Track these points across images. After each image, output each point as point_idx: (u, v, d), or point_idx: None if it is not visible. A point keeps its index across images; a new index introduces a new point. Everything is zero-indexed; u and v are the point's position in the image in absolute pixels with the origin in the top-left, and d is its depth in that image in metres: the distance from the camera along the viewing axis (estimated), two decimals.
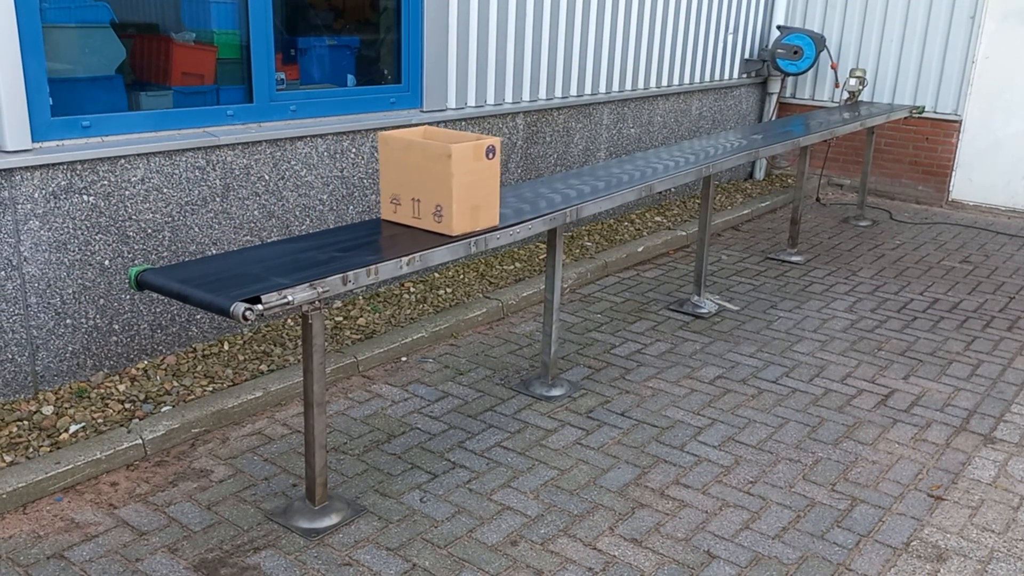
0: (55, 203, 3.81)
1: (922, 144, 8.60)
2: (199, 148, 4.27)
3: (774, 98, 9.17)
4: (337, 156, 4.95)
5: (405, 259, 3.17)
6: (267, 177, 4.62)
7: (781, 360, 4.86)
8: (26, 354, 3.84)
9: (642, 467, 3.72)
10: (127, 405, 3.89)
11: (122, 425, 3.71)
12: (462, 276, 5.73)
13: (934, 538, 3.31)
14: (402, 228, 3.56)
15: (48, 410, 3.78)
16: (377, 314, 5.03)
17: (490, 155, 3.49)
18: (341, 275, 2.95)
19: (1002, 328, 5.44)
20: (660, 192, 7.69)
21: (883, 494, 3.59)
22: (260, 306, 2.69)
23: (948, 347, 5.13)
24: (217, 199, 4.41)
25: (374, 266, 3.06)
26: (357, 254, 3.20)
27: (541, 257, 6.25)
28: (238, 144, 4.43)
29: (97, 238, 3.99)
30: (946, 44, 8.26)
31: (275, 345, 4.56)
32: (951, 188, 8.60)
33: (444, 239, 3.43)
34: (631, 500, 3.48)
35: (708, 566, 3.10)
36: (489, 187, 3.52)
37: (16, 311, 3.78)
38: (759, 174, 9.31)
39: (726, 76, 8.54)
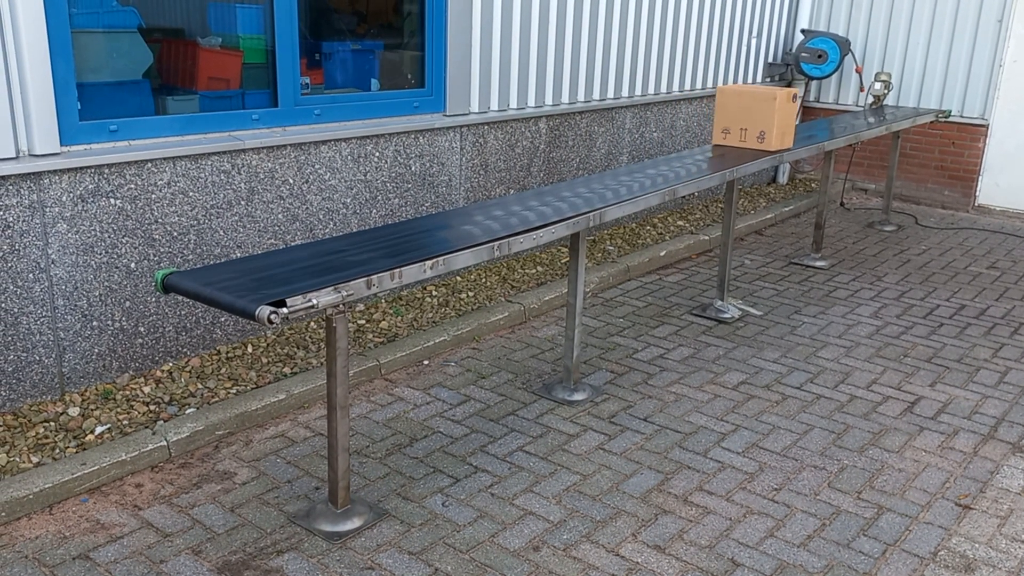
0: (83, 206, 3.85)
1: (948, 148, 8.52)
2: (224, 152, 4.30)
3: (798, 102, 9.11)
4: (361, 160, 4.97)
5: (428, 263, 3.17)
6: (291, 181, 4.64)
7: (805, 366, 4.82)
8: (53, 356, 3.88)
9: (665, 473, 3.70)
10: (152, 407, 3.92)
11: (147, 427, 3.74)
12: (484, 280, 5.74)
13: (962, 548, 3.27)
14: (729, 148, 5.36)
15: (74, 411, 3.82)
16: (399, 317, 5.04)
17: (795, 100, 5.30)
18: (365, 278, 2.96)
19: None
20: (683, 196, 7.66)
21: (910, 502, 3.54)
22: (285, 309, 2.70)
23: (975, 354, 5.07)
24: (242, 202, 4.44)
25: (398, 269, 3.06)
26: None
27: (563, 261, 6.24)
28: (263, 148, 4.46)
29: (123, 241, 4.03)
30: (973, 48, 8.18)
31: (298, 348, 4.58)
32: (978, 193, 8.51)
33: (765, 153, 5.21)
34: (654, 506, 3.46)
35: (732, 574, 3.08)
36: (791, 121, 5.33)
37: (43, 313, 3.82)
38: (783, 178, 9.25)
39: (749, 80, 8.50)
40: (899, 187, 8.84)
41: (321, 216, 4.84)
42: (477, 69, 5.57)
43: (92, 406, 3.89)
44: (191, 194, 4.22)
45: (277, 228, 4.64)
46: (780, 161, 5.34)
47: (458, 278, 5.74)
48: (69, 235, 3.83)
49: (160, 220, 4.14)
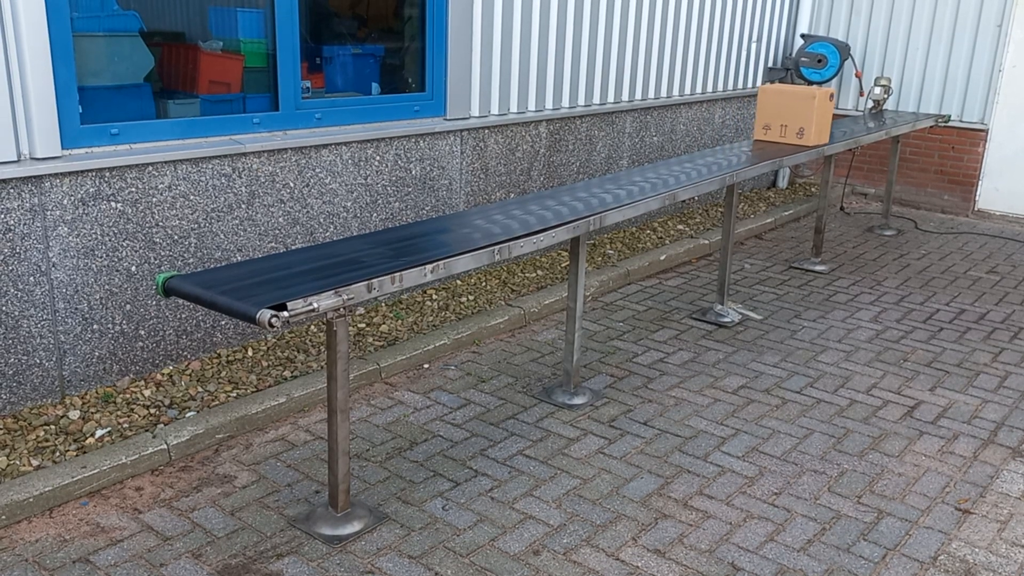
0: (83, 210, 3.85)
1: (948, 153, 8.53)
2: (225, 156, 4.31)
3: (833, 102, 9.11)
4: (361, 164, 4.97)
5: (429, 266, 3.18)
6: (292, 184, 4.65)
7: (805, 370, 4.82)
8: (53, 359, 3.88)
9: (665, 477, 3.70)
10: (152, 410, 3.92)
11: (147, 430, 3.74)
12: (484, 283, 5.74)
13: (962, 552, 3.27)
14: (769, 143, 5.77)
15: (75, 415, 3.82)
16: (400, 321, 5.04)
17: (831, 99, 5.74)
18: (366, 282, 2.96)
19: None
20: (683, 200, 7.67)
21: (910, 507, 3.55)
22: (286, 313, 2.70)
23: (975, 358, 5.07)
24: (243, 206, 4.45)
25: (398, 273, 3.07)
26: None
27: (563, 265, 6.24)
28: (264, 152, 4.46)
29: (124, 244, 4.03)
30: (972, 52, 8.20)
31: (298, 351, 4.58)
32: (977, 197, 8.52)
33: (804, 148, 5.62)
34: (654, 510, 3.46)
35: None
36: (828, 118, 5.79)
37: (44, 316, 3.82)
38: (782, 183, 9.26)
39: (749, 84, 8.51)
40: (899, 191, 8.85)
41: (322, 220, 4.85)
42: (477, 73, 5.58)
43: (92, 409, 3.89)
44: (192, 197, 4.23)
45: (278, 232, 4.64)
46: (780, 166, 5.37)
47: (458, 282, 5.74)
48: (70, 238, 3.84)
49: (161, 223, 4.14)
